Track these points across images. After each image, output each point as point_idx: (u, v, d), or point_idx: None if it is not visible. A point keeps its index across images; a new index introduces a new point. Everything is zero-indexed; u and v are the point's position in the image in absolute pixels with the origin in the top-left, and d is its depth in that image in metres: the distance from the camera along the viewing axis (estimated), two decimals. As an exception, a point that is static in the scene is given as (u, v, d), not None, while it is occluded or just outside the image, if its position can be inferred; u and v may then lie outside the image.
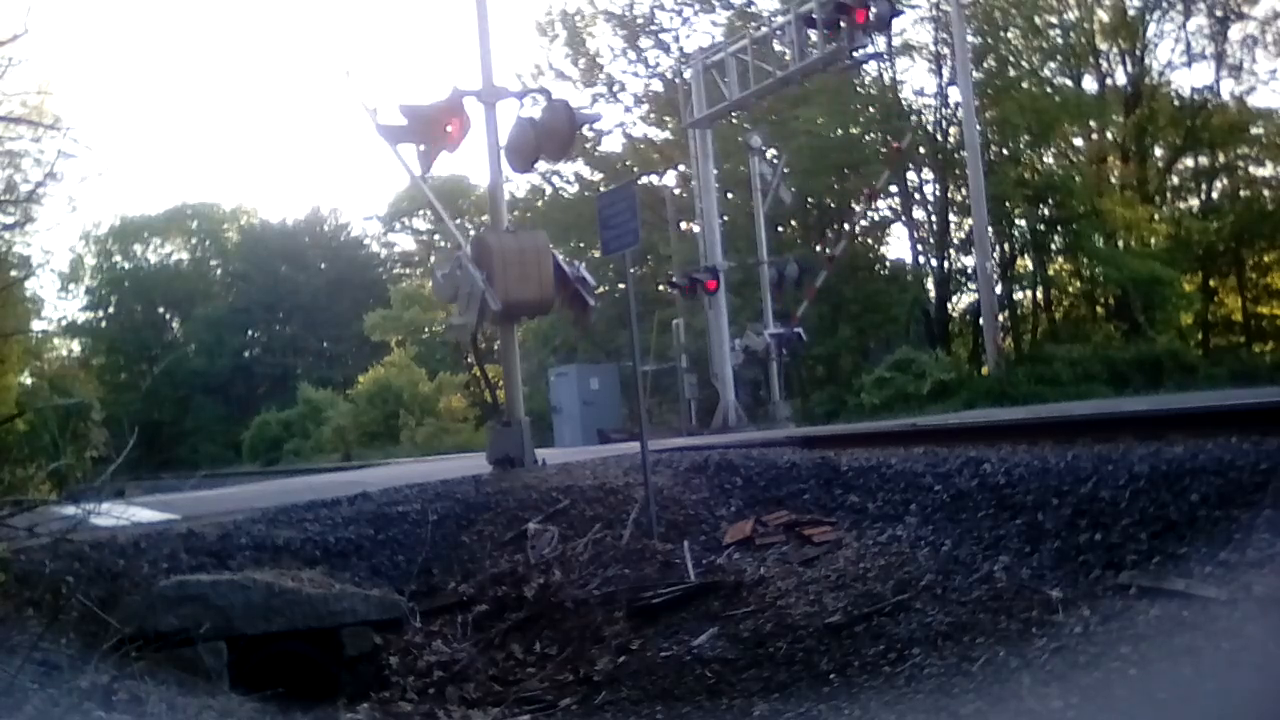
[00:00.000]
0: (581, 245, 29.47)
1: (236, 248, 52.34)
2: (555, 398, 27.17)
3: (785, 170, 25.46)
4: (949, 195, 29.48)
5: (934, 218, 30.20)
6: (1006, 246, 29.16)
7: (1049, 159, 29.97)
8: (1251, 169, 30.68)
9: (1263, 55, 31.26)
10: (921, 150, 29.10)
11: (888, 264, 33.04)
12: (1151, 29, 29.38)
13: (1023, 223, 28.83)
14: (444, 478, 9.24)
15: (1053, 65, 29.54)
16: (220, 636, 5.90)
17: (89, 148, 19.87)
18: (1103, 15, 29.63)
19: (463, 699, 5.95)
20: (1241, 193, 30.24)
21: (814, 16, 17.27)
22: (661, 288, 28.34)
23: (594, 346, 32.76)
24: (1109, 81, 30.25)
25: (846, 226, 28.72)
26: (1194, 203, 31.09)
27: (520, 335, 11.78)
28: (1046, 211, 28.16)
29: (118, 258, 52.28)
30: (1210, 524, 4.71)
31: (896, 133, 27.68)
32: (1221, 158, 30.14)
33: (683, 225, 29.06)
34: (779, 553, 6.78)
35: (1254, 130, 29.40)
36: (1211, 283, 30.43)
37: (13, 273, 20.01)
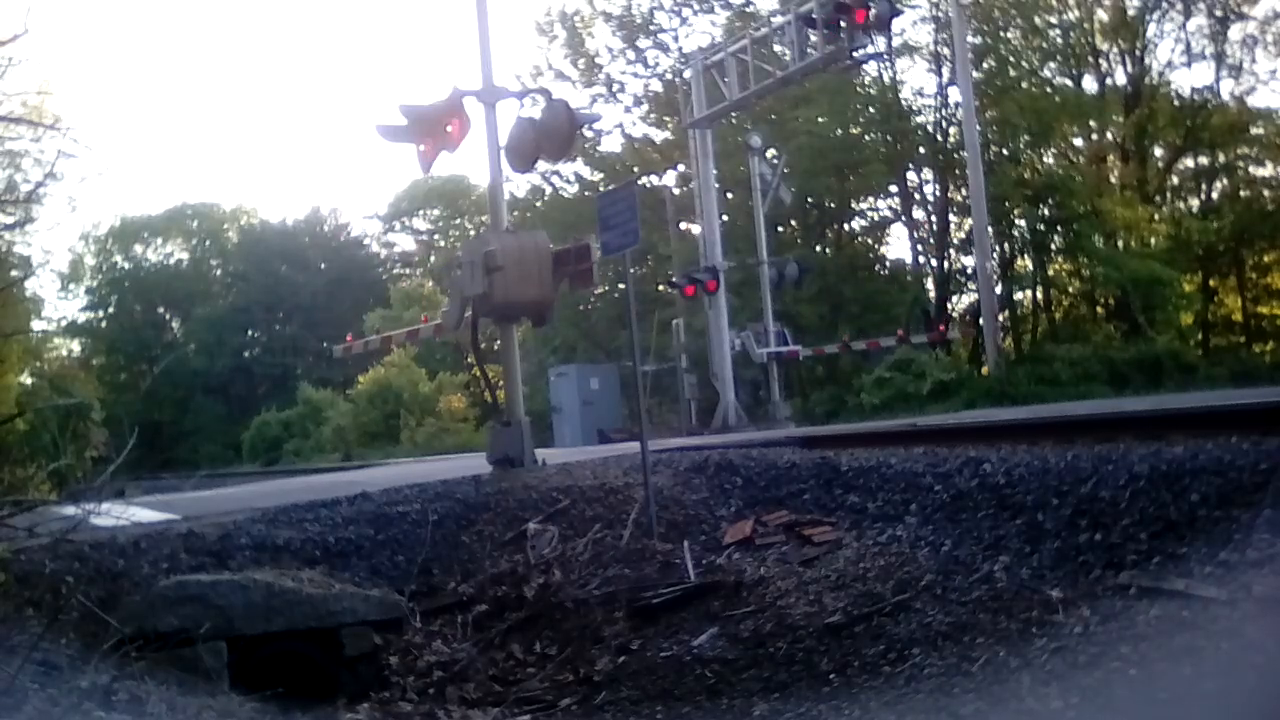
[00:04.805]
0: (581, 245, 29.44)
1: (236, 248, 52.33)
2: (555, 398, 27.17)
3: (785, 170, 25.48)
4: (949, 195, 29.49)
5: (934, 218, 30.22)
6: (1006, 246, 29.16)
7: (1049, 159, 29.98)
8: (1251, 169, 30.68)
9: (1263, 55, 31.24)
10: (921, 150, 29.12)
11: (888, 264, 33.11)
12: (1151, 29, 29.41)
13: (1023, 223, 28.82)
14: (444, 478, 9.23)
15: (1053, 65, 29.55)
16: (220, 636, 5.88)
17: (89, 148, 19.92)
18: (1103, 15, 29.66)
19: (463, 699, 5.95)
20: (1241, 193, 30.21)
21: (814, 16, 17.27)
22: (661, 288, 28.35)
23: (594, 346, 32.77)
24: (1109, 81, 30.27)
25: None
26: (1194, 203, 31.08)
27: (520, 335, 11.76)
28: (1046, 211, 28.15)
29: (118, 258, 52.29)
30: (1210, 524, 4.71)
31: (897, 133, 27.70)
32: (1221, 158, 30.11)
33: (683, 225, 29.07)
34: (779, 553, 6.78)
35: (1254, 130, 29.37)
36: (1211, 283, 30.41)
37: (13, 273, 20.03)
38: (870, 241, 33.71)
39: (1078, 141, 30.78)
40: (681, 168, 30.64)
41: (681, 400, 24.50)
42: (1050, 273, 30.34)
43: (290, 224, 52.34)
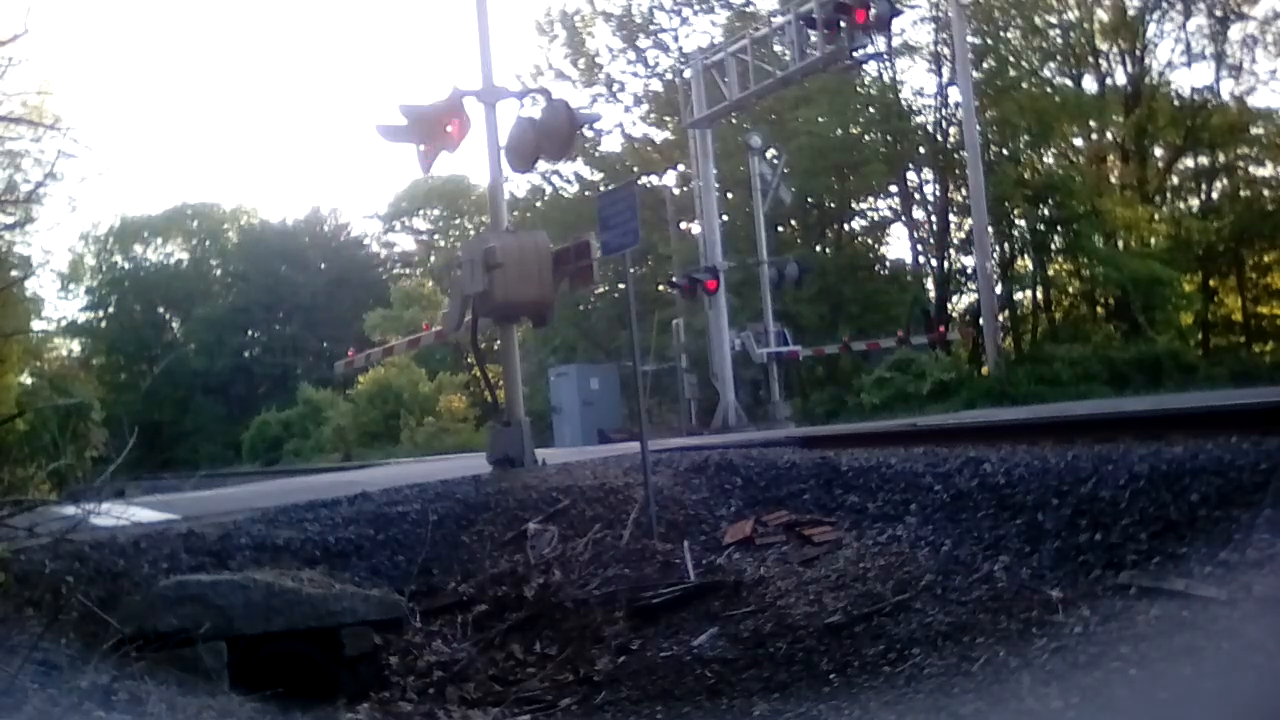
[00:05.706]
0: (581, 245, 29.40)
1: (236, 248, 52.33)
2: (555, 398, 27.16)
3: (785, 170, 25.46)
4: (949, 195, 29.49)
5: (934, 218, 30.22)
6: (1006, 246, 29.16)
7: (1049, 159, 29.98)
8: (1251, 169, 30.71)
9: (1263, 55, 31.35)
10: (921, 150, 29.11)
11: (888, 264, 33.11)
12: (1151, 29, 29.43)
13: (1023, 223, 28.83)
14: (444, 478, 9.23)
15: (1053, 65, 29.56)
16: (220, 636, 5.87)
17: (89, 148, 19.93)
18: (1103, 15, 29.67)
19: (463, 699, 5.95)
20: (1241, 193, 30.24)
21: (814, 16, 17.27)
22: (661, 288, 28.34)
23: (594, 346, 32.77)
24: (1109, 81, 30.28)
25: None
26: (1194, 203, 31.09)
27: (520, 335, 11.77)
28: (1046, 211, 28.14)
29: (118, 258, 52.27)
30: (1210, 524, 4.71)
31: (897, 133, 27.64)
32: (1221, 158, 30.13)
33: (683, 225, 29.06)
34: (779, 553, 6.78)
35: (1254, 130, 29.39)
36: (1211, 283, 30.43)
37: (13, 273, 20.03)
38: (870, 241, 33.71)
39: (1078, 141, 30.80)
40: (681, 168, 30.64)
41: (681, 400, 24.50)
42: (1050, 273, 30.34)
43: (290, 224, 52.39)
